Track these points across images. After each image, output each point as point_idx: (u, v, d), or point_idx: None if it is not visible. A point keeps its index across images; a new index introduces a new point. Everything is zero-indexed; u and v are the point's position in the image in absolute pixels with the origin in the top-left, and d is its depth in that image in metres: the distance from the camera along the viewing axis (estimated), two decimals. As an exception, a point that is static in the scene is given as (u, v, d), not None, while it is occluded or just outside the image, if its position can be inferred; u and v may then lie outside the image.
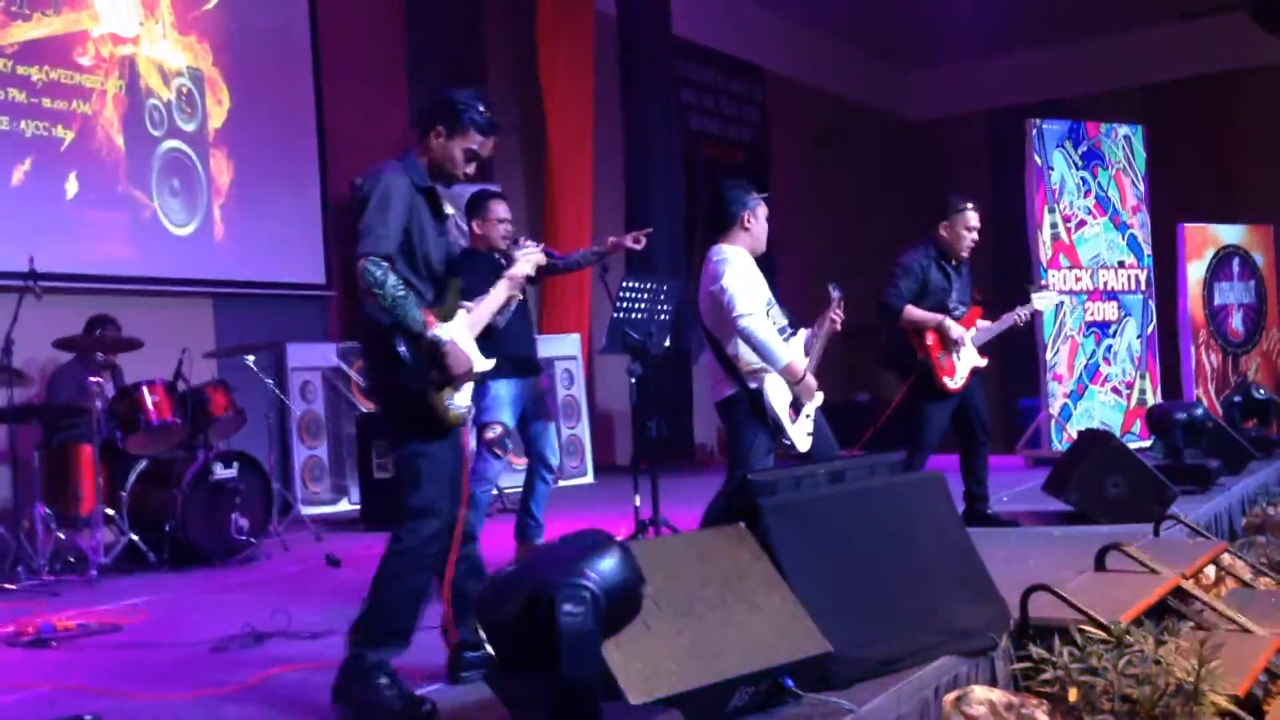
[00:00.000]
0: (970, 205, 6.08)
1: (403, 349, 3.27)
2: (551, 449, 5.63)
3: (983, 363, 6.13)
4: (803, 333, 4.95)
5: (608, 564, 2.54)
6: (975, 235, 6.09)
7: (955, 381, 6.00)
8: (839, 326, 4.91)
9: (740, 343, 4.71)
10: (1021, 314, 6.26)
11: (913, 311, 5.97)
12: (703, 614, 2.99)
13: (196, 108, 7.98)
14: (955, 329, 5.97)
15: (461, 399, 3.44)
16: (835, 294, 4.91)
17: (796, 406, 4.74)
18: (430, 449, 3.39)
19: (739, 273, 4.73)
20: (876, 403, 12.75)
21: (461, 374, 3.38)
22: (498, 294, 3.71)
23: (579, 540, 2.65)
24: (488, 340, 5.51)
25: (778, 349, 4.65)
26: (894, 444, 5.98)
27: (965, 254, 6.13)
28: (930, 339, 5.96)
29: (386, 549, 3.41)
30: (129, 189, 7.53)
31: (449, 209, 3.61)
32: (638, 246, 5.85)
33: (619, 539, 2.67)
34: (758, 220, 4.88)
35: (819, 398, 4.87)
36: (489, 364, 3.56)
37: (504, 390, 5.40)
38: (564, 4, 10.32)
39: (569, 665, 2.40)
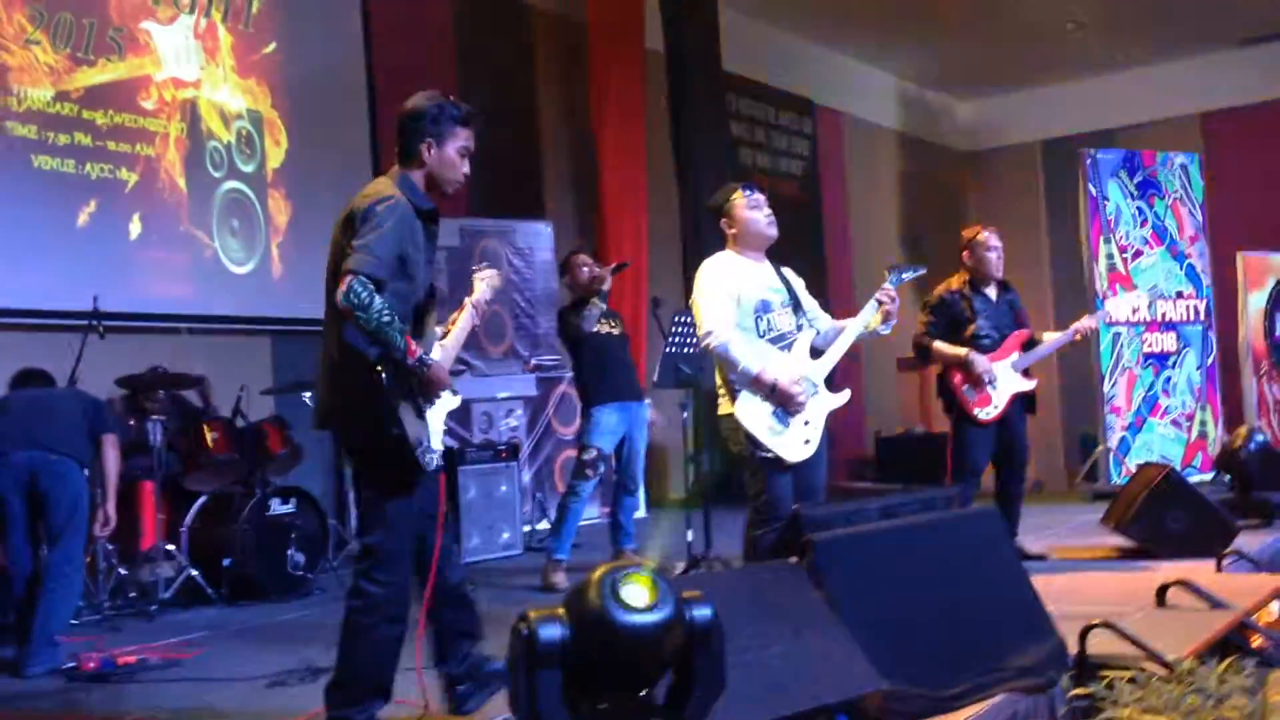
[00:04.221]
0: (984, 227, 6.24)
1: (387, 381, 3.12)
2: (636, 471, 6.58)
3: (1029, 385, 6.09)
4: (830, 323, 4.71)
5: (584, 595, 2.49)
6: (999, 253, 6.18)
7: (988, 412, 5.99)
8: (888, 309, 4.55)
9: None
10: (1087, 324, 6.27)
11: (940, 348, 6.04)
12: (755, 651, 2.98)
13: (255, 149, 8.13)
14: (979, 364, 5.95)
15: (436, 441, 3.30)
16: (892, 280, 4.63)
17: (783, 415, 4.41)
18: (398, 491, 3.24)
19: (712, 284, 4.51)
20: (932, 435, 12.66)
21: (439, 392, 3.27)
22: (464, 323, 3.63)
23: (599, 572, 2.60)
24: (597, 368, 6.28)
25: (742, 360, 4.38)
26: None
27: (998, 274, 6.18)
28: (956, 374, 6.01)
29: (352, 601, 3.28)
30: (190, 229, 7.67)
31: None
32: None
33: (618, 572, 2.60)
34: (735, 219, 4.59)
35: (834, 399, 4.55)
36: (456, 401, 3.47)
37: (606, 416, 6.24)
38: (615, 43, 10.40)
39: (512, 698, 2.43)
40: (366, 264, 3.11)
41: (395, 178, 3.34)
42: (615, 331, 6.46)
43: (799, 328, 4.61)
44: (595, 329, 6.26)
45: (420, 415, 3.23)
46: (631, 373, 6.59)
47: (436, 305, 3.46)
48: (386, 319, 3.09)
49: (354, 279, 3.08)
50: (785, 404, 4.39)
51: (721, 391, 4.56)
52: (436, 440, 3.30)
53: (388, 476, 3.23)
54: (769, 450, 4.37)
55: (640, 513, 9.72)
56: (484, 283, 3.74)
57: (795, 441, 4.44)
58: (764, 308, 4.54)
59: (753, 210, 4.60)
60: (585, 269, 6.43)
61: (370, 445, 3.23)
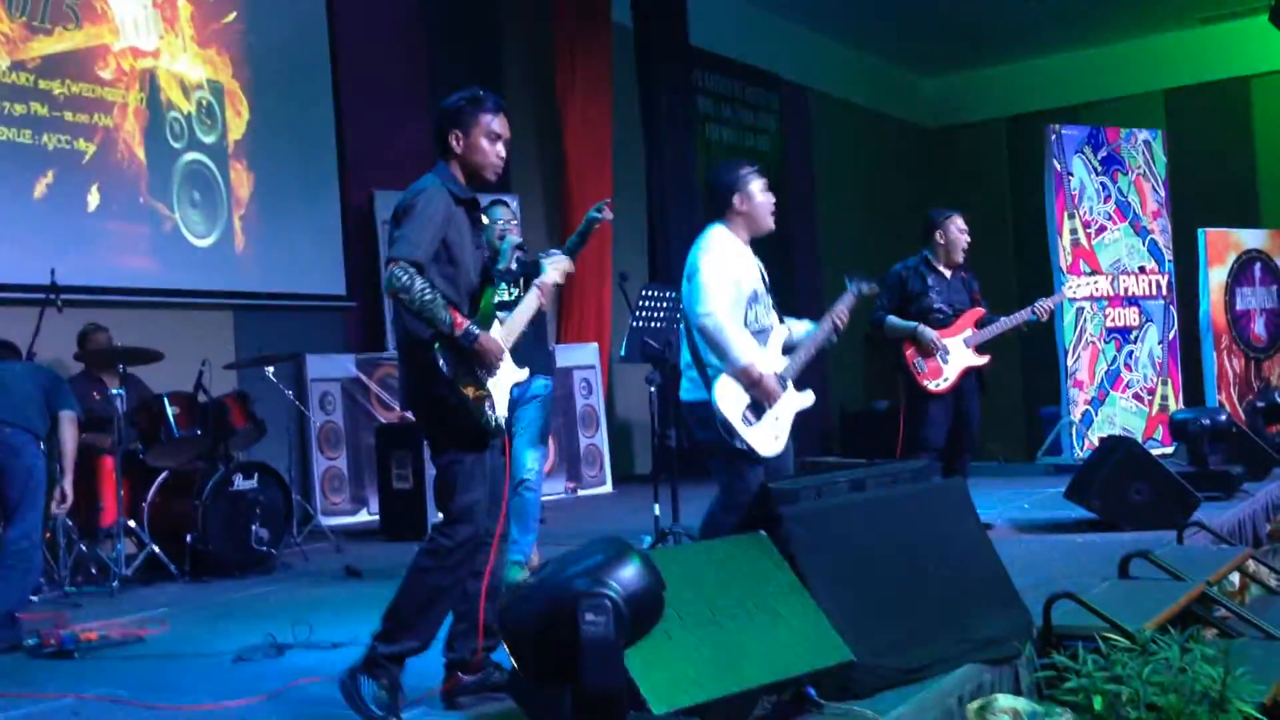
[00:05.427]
0: (955, 211, 6.37)
1: (441, 361, 3.32)
2: (522, 459, 5.34)
3: (981, 361, 6.21)
4: (801, 326, 4.70)
5: (628, 571, 2.54)
6: (968, 235, 6.34)
7: (939, 383, 6.13)
8: (840, 325, 4.62)
9: None
10: (1045, 305, 6.32)
11: (892, 322, 6.20)
12: (724, 623, 2.98)
13: (216, 120, 8.03)
14: (927, 335, 6.10)
15: (501, 408, 3.48)
16: (851, 290, 4.73)
17: (757, 409, 4.39)
18: (467, 457, 3.43)
19: (719, 263, 4.41)
20: (896, 410, 12.71)
21: (495, 362, 3.43)
22: (529, 303, 3.74)
23: (599, 548, 2.64)
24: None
25: (737, 349, 4.32)
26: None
27: (962, 257, 6.32)
28: (908, 347, 6.15)
29: (420, 549, 3.47)
30: (150, 201, 7.57)
31: (485, 220, 3.66)
32: (604, 215, 5.61)
33: (636, 546, 2.67)
34: (751, 199, 4.50)
35: (801, 399, 4.54)
36: (522, 373, 3.61)
37: None
38: (581, 16, 10.35)
39: (591, 675, 2.40)
40: (404, 249, 3.31)
41: (437, 171, 3.53)
42: (513, 297, 5.38)
43: (772, 323, 4.59)
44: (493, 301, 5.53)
45: (481, 385, 3.41)
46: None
47: (492, 286, 3.63)
48: (429, 297, 3.29)
49: (394, 265, 3.29)
50: (765, 399, 4.37)
51: (692, 375, 4.50)
52: (502, 407, 3.49)
53: (457, 444, 3.43)
54: (744, 442, 4.34)
55: (606, 488, 9.73)
56: (553, 268, 3.83)
57: (767, 436, 4.42)
58: (754, 299, 4.49)
59: (765, 195, 4.54)
60: (501, 222, 5.70)
61: (438, 416, 3.43)
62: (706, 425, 4.42)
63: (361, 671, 3.36)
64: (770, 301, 4.59)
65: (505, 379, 3.53)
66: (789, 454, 4.55)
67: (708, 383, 4.38)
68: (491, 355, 3.41)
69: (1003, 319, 6.27)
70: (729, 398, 4.35)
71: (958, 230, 6.27)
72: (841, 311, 4.65)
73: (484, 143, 3.50)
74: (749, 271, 4.50)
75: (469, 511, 3.43)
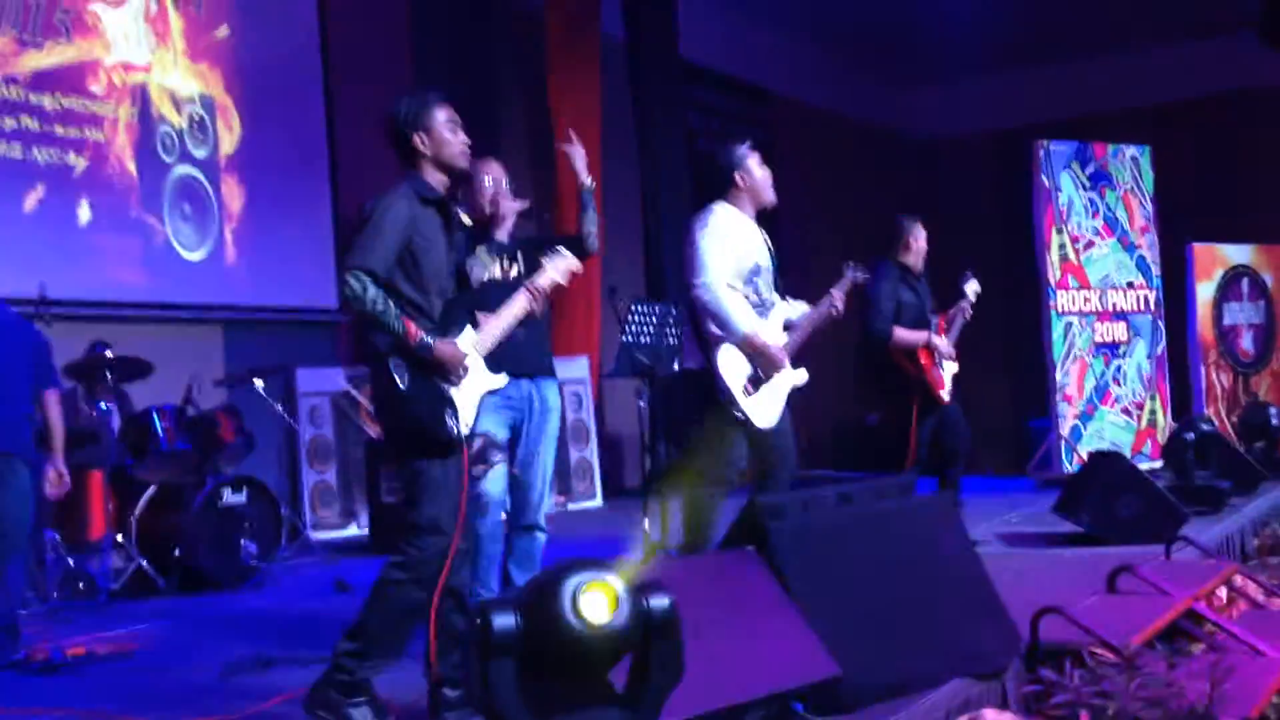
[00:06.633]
0: (919, 220, 6.41)
1: (396, 373, 3.28)
2: (533, 488, 4.44)
3: (957, 367, 6.26)
4: (798, 307, 4.79)
5: (545, 605, 2.46)
6: (925, 241, 6.36)
7: (946, 392, 6.14)
8: (839, 308, 4.74)
9: None
10: (965, 307, 6.37)
11: (901, 333, 6.10)
12: (711, 637, 2.98)
13: (208, 134, 8.03)
14: (943, 343, 6.12)
15: (467, 415, 3.41)
16: (849, 275, 4.84)
17: (756, 380, 4.47)
18: (430, 468, 3.38)
19: (717, 235, 4.50)
20: (887, 424, 12.69)
21: (456, 370, 3.36)
22: (516, 306, 3.61)
23: (593, 573, 2.60)
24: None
25: (735, 317, 4.41)
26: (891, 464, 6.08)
27: (922, 266, 6.33)
28: (923, 357, 6.08)
29: (388, 563, 3.44)
30: (141, 215, 7.57)
31: (468, 220, 3.63)
32: (571, 149, 4.84)
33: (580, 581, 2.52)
34: (751, 174, 4.65)
35: (796, 375, 4.60)
36: (497, 380, 3.54)
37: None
38: (572, 30, 10.38)
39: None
40: (358, 258, 3.29)
41: (408, 179, 3.49)
42: (511, 275, 4.51)
43: (774, 299, 4.66)
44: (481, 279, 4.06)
45: (441, 395, 3.34)
46: (522, 335, 3.95)
47: (470, 291, 3.60)
48: (380, 307, 3.26)
49: (348, 274, 3.27)
50: (770, 367, 4.43)
51: (692, 345, 4.58)
52: (467, 415, 3.41)
53: (420, 454, 3.38)
54: (743, 412, 4.39)
55: (596, 502, 9.72)
56: (552, 268, 3.69)
57: (764, 408, 4.48)
58: (755, 272, 4.58)
59: (763, 170, 4.66)
60: (490, 182, 4.60)
61: (400, 427, 3.40)
62: (704, 393, 4.47)
63: (339, 694, 3.32)
64: (773, 278, 4.68)
65: (475, 386, 3.45)
66: (789, 432, 4.61)
67: (709, 352, 4.45)
68: (451, 364, 3.35)
69: (954, 326, 6.31)
70: (731, 367, 4.42)
71: (916, 240, 6.31)
72: (839, 295, 4.75)
73: (447, 133, 3.48)
74: (751, 245, 4.59)
75: (436, 522, 3.37)
